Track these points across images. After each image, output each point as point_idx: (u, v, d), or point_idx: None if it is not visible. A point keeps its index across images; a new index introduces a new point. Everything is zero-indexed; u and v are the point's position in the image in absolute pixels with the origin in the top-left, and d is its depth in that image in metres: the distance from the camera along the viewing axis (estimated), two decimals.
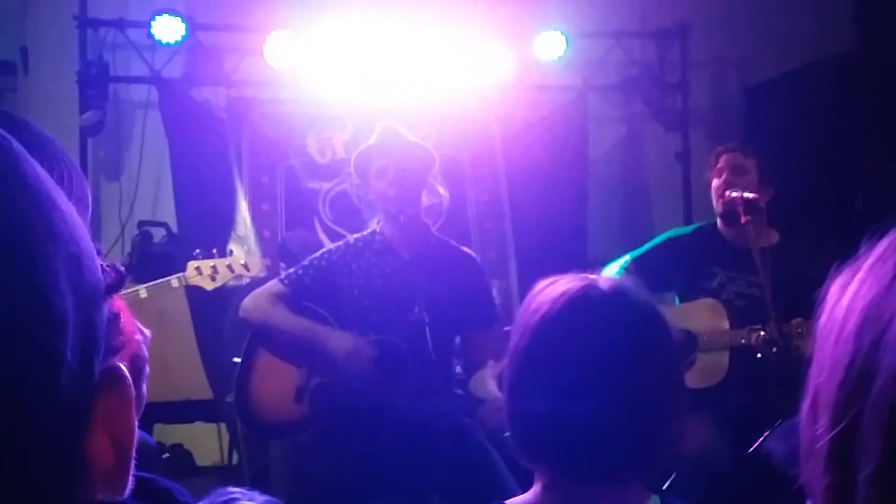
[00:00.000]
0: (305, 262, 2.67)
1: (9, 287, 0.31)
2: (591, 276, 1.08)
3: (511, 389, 1.06)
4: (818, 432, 0.46)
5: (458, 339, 2.66)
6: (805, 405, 0.57)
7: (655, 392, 1.03)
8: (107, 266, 0.38)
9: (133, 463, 0.39)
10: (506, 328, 1.12)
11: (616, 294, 1.05)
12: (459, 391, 2.58)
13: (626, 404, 1.00)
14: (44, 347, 0.32)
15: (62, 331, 0.33)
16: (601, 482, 1.02)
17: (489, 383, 2.53)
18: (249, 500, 0.67)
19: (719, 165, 2.89)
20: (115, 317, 0.38)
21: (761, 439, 2.18)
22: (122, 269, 0.39)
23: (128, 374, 0.38)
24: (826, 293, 0.51)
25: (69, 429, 0.34)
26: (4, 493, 0.31)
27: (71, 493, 0.35)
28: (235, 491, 0.67)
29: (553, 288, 1.06)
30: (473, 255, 2.83)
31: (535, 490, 1.05)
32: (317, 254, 2.70)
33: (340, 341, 2.51)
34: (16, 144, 0.35)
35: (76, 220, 0.36)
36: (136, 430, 0.39)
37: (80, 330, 0.34)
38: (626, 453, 1.02)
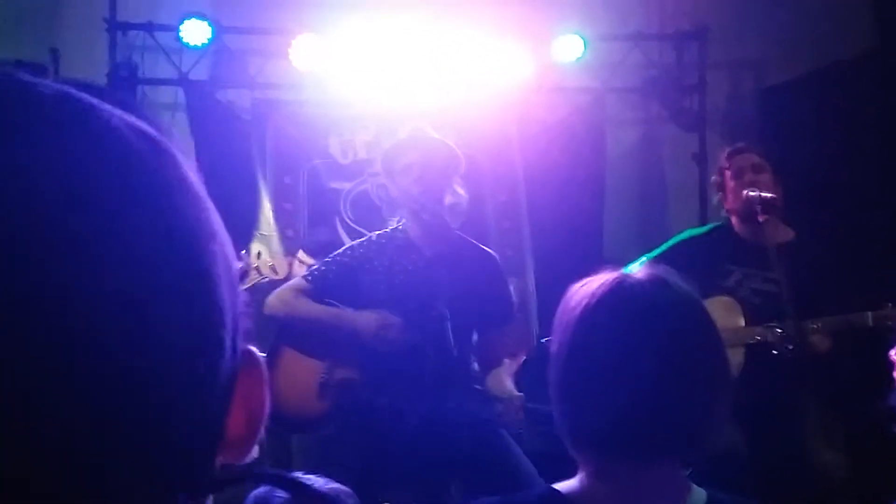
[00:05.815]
0: (328, 259, 2.71)
1: (187, 286, 0.35)
2: (626, 271, 1.10)
3: (558, 384, 1.07)
4: None
5: (475, 337, 2.69)
6: None
7: (699, 374, 1.04)
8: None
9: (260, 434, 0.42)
10: (545, 339, 1.16)
11: (654, 281, 1.07)
12: (478, 387, 2.62)
13: (671, 388, 1.02)
14: (213, 339, 0.36)
15: (224, 321, 0.37)
16: (646, 466, 1.04)
17: (506, 381, 2.57)
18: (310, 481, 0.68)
19: (738, 166, 2.92)
20: (246, 303, 0.42)
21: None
22: (245, 257, 0.43)
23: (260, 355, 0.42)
24: None
25: (220, 408, 0.38)
26: (156, 466, 0.34)
27: (211, 464, 0.38)
28: (297, 474, 0.67)
29: (589, 284, 1.08)
30: (493, 253, 2.85)
31: (580, 476, 1.07)
32: (339, 250, 2.74)
33: (369, 319, 2.55)
34: (173, 147, 0.38)
35: (218, 218, 0.40)
36: (268, 404, 0.43)
37: (232, 318, 0.38)
38: (670, 437, 1.03)
